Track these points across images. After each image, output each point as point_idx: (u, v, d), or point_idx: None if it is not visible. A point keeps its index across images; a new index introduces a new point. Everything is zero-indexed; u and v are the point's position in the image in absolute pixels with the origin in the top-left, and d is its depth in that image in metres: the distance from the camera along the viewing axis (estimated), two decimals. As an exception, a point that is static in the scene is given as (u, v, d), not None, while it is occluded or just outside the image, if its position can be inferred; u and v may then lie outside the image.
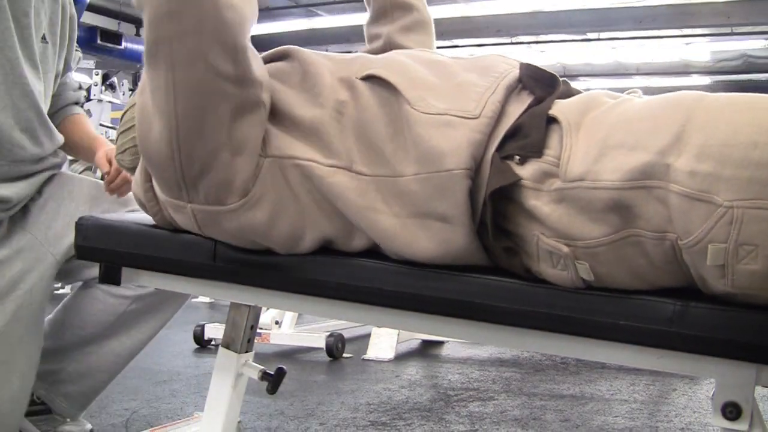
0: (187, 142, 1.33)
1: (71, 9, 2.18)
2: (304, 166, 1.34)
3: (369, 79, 1.37)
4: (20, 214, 2.05)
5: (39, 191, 2.10)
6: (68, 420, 2.28)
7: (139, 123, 1.40)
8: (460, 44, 10.98)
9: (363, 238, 1.37)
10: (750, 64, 11.51)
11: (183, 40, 1.28)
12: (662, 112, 1.16)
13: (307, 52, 1.46)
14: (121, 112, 1.70)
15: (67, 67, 2.24)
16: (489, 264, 1.30)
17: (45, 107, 2.06)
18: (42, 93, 2.04)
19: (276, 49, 1.49)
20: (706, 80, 12.49)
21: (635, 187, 1.12)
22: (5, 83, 1.92)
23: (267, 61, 1.47)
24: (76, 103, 2.31)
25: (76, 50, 2.27)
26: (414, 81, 1.33)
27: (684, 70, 12.14)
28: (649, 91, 1.25)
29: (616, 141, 1.16)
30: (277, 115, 1.39)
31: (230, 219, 1.37)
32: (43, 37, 2.04)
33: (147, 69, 1.34)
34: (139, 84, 1.42)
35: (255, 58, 1.36)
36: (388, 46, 1.76)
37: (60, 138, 2.12)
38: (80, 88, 2.32)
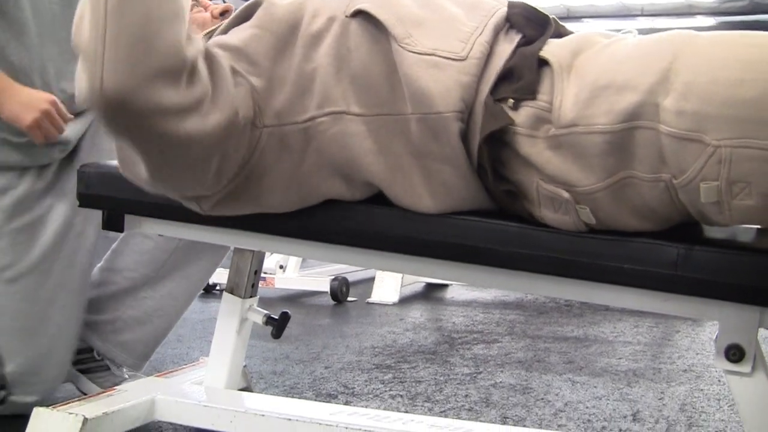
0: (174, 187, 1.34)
1: None
2: (305, 126, 1.31)
3: (357, 14, 1.32)
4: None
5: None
6: (127, 375, 2.20)
7: (119, 160, 1.40)
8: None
9: (366, 193, 1.37)
10: (756, 4, 11.38)
11: (144, 146, 1.24)
12: (650, 51, 1.15)
13: (285, 1, 1.40)
14: None
15: None
16: (493, 207, 1.30)
17: None
18: None
19: (247, 4, 1.42)
20: (711, 21, 12.37)
21: (627, 129, 1.12)
22: (63, 15, 1.89)
23: (242, 19, 1.41)
24: None
25: None
26: (401, 15, 1.30)
27: (689, 11, 12.01)
28: (653, 32, 1.24)
29: (606, 81, 1.15)
30: (266, 76, 1.33)
31: (233, 195, 1.35)
32: None
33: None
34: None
35: (219, 87, 1.26)
36: None
37: None
38: None
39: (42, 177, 1.96)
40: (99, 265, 2.16)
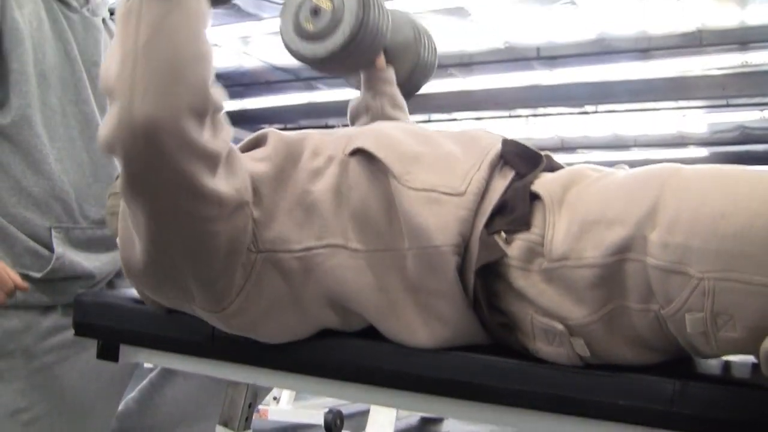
0: (180, 275, 1.32)
1: None
2: (301, 256, 1.33)
3: (356, 153, 1.36)
4: (106, 289, 1.98)
5: None
6: None
7: (122, 248, 1.38)
8: (458, 117, 11.06)
9: (361, 324, 1.37)
10: (746, 135, 11.57)
11: (160, 196, 1.23)
12: (639, 184, 1.17)
13: (289, 135, 1.45)
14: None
15: None
16: (487, 341, 1.30)
17: None
18: None
19: (254, 135, 1.48)
20: (704, 152, 12.55)
21: (616, 261, 1.13)
22: (82, 138, 1.89)
23: (247, 148, 1.46)
24: None
25: None
26: (400, 153, 1.34)
27: (681, 141, 12.20)
28: (647, 163, 1.27)
29: (596, 216, 1.16)
30: (265, 204, 1.36)
31: (228, 319, 1.36)
32: None
33: (129, 208, 1.31)
34: (121, 208, 1.39)
35: (233, 166, 1.31)
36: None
37: None
38: None
39: (68, 314, 1.84)
40: (132, 395, 2.09)
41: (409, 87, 1.93)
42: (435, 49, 1.96)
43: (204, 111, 1.20)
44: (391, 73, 1.87)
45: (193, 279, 1.31)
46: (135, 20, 1.17)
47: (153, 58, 1.16)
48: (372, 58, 1.79)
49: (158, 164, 1.18)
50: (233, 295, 1.32)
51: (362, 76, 1.87)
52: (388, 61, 1.87)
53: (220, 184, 1.25)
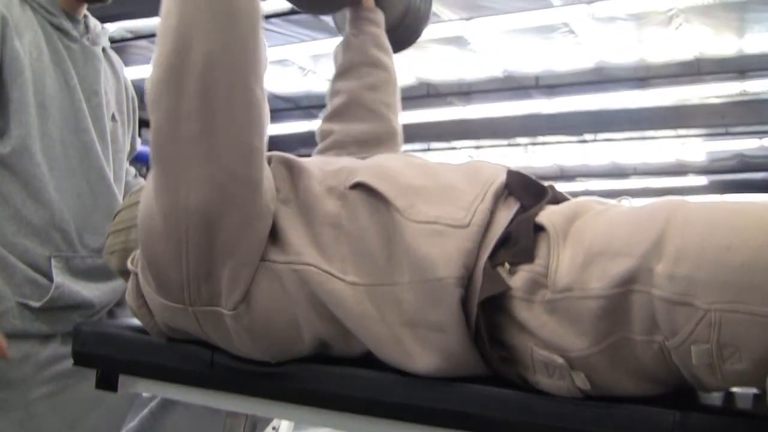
0: (196, 246, 1.31)
1: (132, 89, 2.17)
2: (302, 270, 1.33)
3: (357, 187, 1.36)
4: (106, 318, 1.99)
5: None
6: None
7: (143, 221, 1.38)
8: (458, 146, 11.08)
9: (362, 344, 1.36)
10: (745, 163, 11.61)
11: (200, 140, 1.27)
12: (644, 217, 1.16)
13: (289, 158, 1.47)
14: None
15: (133, 149, 2.20)
16: (486, 373, 1.30)
17: (119, 190, 2.03)
18: (113, 174, 1.99)
19: None
20: (703, 180, 12.57)
21: (622, 293, 1.12)
22: (81, 167, 1.90)
23: None
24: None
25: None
26: (402, 186, 1.34)
27: (680, 170, 12.23)
28: (646, 191, 1.27)
29: (600, 248, 1.16)
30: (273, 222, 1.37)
31: (230, 322, 1.35)
32: (113, 116, 2.02)
33: (157, 167, 1.32)
34: (146, 182, 1.40)
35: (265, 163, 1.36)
36: (353, 103, 1.80)
37: None
38: (136, 176, 2.26)
39: (68, 344, 1.82)
40: (132, 425, 2.07)
41: (401, 34, 1.90)
42: None
43: (257, 53, 1.30)
44: (379, 16, 1.85)
45: (204, 252, 1.32)
46: None
47: (211, 5, 1.27)
48: None
49: (212, 96, 1.27)
50: (237, 298, 1.33)
51: (348, 15, 1.85)
52: (378, 4, 1.85)
53: (262, 147, 1.33)
